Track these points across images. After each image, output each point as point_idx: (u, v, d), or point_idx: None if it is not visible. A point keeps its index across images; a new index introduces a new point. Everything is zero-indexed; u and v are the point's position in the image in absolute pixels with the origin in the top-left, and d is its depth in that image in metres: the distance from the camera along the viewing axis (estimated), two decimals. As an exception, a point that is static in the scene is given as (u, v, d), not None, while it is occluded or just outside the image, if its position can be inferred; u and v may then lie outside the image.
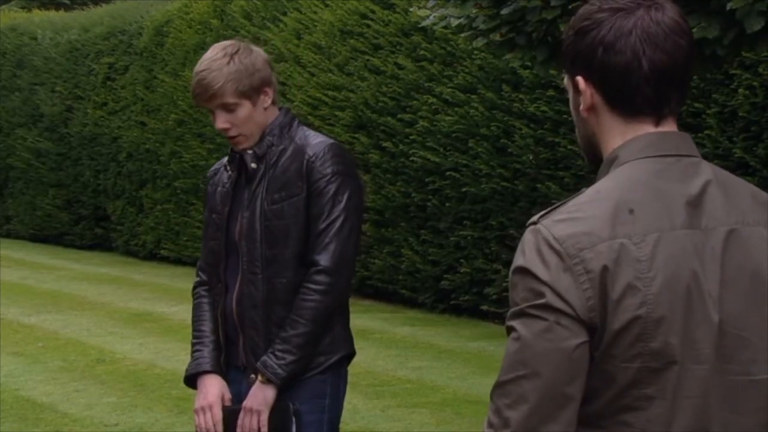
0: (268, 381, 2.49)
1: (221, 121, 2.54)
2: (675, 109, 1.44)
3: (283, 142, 2.57)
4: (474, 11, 3.86)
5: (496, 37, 3.80)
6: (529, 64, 4.12)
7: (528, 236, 1.38)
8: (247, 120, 2.55)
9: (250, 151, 2.58)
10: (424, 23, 4.29)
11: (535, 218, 1.39)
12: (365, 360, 6.35)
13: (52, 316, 8.02)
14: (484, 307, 7.40)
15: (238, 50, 2.58)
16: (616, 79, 1.40)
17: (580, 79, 1.43)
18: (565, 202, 1.40)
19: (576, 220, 1.36)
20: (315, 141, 2.58)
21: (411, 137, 7.86)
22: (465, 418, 5.08)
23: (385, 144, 8.06)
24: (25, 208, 13.14)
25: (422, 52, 7.80)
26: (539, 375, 1.32)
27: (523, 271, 1.36)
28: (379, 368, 6.17)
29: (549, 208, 1.40)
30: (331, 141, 2.60)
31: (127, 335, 7.24)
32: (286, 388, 2.51)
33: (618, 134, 1.42)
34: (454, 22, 3.97)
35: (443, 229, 7.73)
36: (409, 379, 5.91)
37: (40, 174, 12.78)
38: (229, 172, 2.63)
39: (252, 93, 2.56)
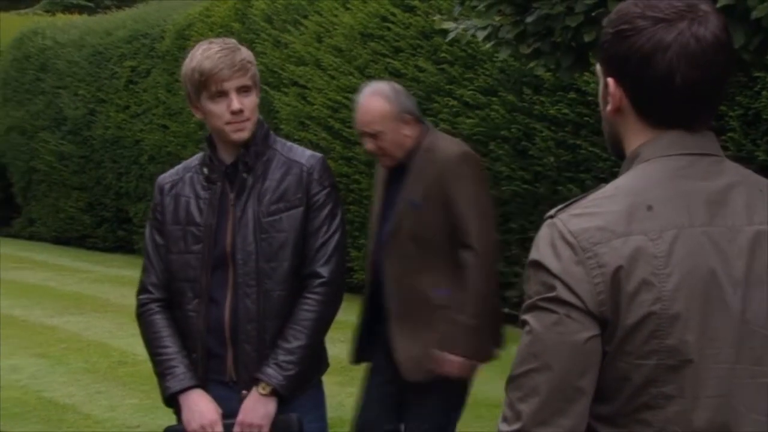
0: (270, 393, 2.43)
1: (238, 102, 2.46)
2: (705, 122, 1.43)
3: (267, 152, 2.53)
4: (497, 19, 3.86)
5: (525, 50, 3.80)
6: (553, 67, 4.11)
7: (544, 230, 1.39)
8: (255, 109, 2.52)
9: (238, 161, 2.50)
10: (449, 37, 4.30)
11: (552, 212, 1.40)
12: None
13: (75, 318, 8.08)
14: (505, 311, 7.37)
15: (236, 44, 2.55)
16: (647, 91, 1.39)
17: (611, 81, 1.42)
18: (584, 197, 1.41)
19: (592, 215, 1.36)
20: (306, 153, 2.56)
21: (431, 140, 7.85)
22: (485, 420, 5.07)
23: (405, 147, 8.06)
24: (48, 210, 13.24)
25: (443, 54, 7.80)
26: (550, 368, 1.33)
27: (537, 264, 1.36)
28: (399, 371, 6.17)
29: (567, 203, 1.40)
30: (320, 154, 2.61)
31: (149, 337, 7.27)
32: (285, 400, 2.45)
33: (643, 136, 1.43)
34: (481, 35, 3.97)
35: (464, 231, 7.71)
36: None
37: (63, 177, 12.87)
38: (212, 183, 2.52)
39: (257, 86, 2.54)
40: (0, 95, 13.90)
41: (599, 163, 6.69)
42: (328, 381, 2.68)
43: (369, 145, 3.23)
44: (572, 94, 6.87)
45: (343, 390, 5.32)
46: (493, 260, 3.19)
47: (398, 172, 3.23)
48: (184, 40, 11.10)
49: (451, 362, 3.13)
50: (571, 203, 1.40)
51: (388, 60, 8.26)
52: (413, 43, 8.09)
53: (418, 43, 8.06)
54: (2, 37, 14.35)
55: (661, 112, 1.40)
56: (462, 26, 4.15)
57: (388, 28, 8.30)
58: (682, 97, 1.38)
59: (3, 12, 17.48)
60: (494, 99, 7.41)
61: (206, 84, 2.47)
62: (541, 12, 3.70)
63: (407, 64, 8.09)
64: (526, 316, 1.36)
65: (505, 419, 1.36)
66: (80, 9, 17.85)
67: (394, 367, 3.17)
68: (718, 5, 3.14)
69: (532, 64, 4.17)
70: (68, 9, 17.68)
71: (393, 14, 8.27)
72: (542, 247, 1.36)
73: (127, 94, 11.96)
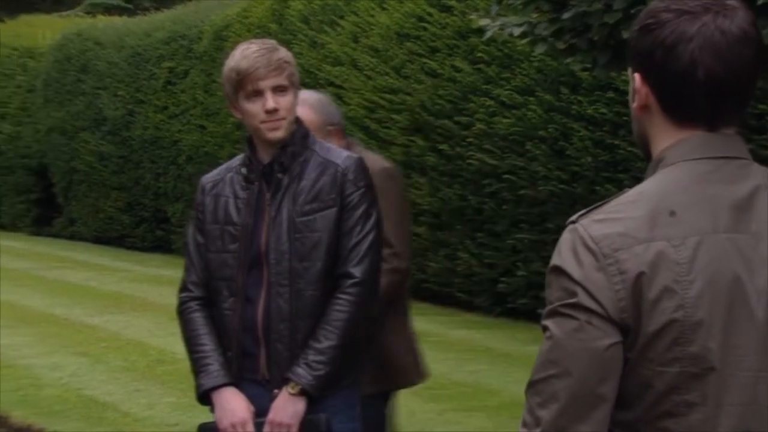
0: (300, 393, 2.44)
1: (273, 101, 2.48)
2: (731, 120, 1.40)
3: (305, 153, 2.54)
4: (534, 16, 3.85)
5: (560, 45, 3.78)
6: (589, 65, 4.09)
7: (565, 235, 1.37)
8: (292, 108, 2.53)
9: (275, 161, 2.52)
10: (487, 35, 4.29)
11: (574, 217, 1.38)
12: (422, 363, 6.36)
13: (115, 317, 8.17)
14: (541, 311, 7.32)
15: (275, 45, 2.57)
16: (670, 84, 1.37)
17: (636, 76, 1.41)
18: (606, 202, 1.39)
19: (614, 221, 1.35)
20: (343, 154, 2.57)
21: (468, 140, 7.84)
22: (522, 422, 5.06)
23: (441, 146, 8.06)
24: (89, 210, 13.40)
25: (479, 54, 7.78)
26: (570, 374, 1.32)
27: (558, 270, 1.35)
28: (435, 371, 6.14)
29: (589, 207, 1.39)
30: (357, 155, 2.60)
31: (187, 336, 7.33)
32: (315, 400, 2.45)
33: (668, 137, 1.40)
34: (517, 31, 3.96)
35: (500, 232, 7.70)
36: (466, 382, 5.89)
37: (102, 177, 13.02)
38: (250, 183, 2.54)
39: (295, 86, 2.55)
40: (42, 96, 14.09)
41: (637, 163, 6.63)
42: (364, 382, 2.67)
43: None
44: (610, 94, 6.82)
45: (379, 390, 5.33)
46: (409, 270, 3.14)
47: None
48: (221, 41, 11.18)
49: None
50: (593, 208, 1.38)
51: (424, 60, 8.25)
52: (450, 43, 8.07)
53: (454, 42, 8.04)
54: (44, 39, 14.56)
55: (685, 107, 1.38)
56: (498, 23, 4.14)
57: (425, 28, 8.29)
58: (705, 92, 1.35)
59: (45, 14, 17.73)
60: (531, 99, 7.38)
61: (243, 83, 2.50)
62: (578, 9, 3.69)
63: (443, 64, 8.07)
64: (547, 322, 1.35)
65: (525, 424, 1.35)
66: (120, 11, 18.05)
67: None
68: (759, 2, 3.10)
69: (568, 60, 4.15)
70: (108, 11, 17.88)
71: (429, 14, 8.26)
72: (564, 253, 1.35)
73: (165, 94, 12.07)
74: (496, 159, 7.60)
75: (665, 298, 1.31)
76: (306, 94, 3.14)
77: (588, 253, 1.33)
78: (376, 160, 3.15)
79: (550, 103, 7.25)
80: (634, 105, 1.43)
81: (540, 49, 4.02)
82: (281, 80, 2.50)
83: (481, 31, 4.61)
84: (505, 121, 7.54)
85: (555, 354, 1.33)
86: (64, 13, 18.75)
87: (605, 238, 1.33)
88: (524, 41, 4.12)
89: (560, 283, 1.34)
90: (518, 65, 7.50)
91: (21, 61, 14.83)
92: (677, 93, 1.37)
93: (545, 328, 1.36)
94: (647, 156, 1.46)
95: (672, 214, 1.34)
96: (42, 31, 15.36)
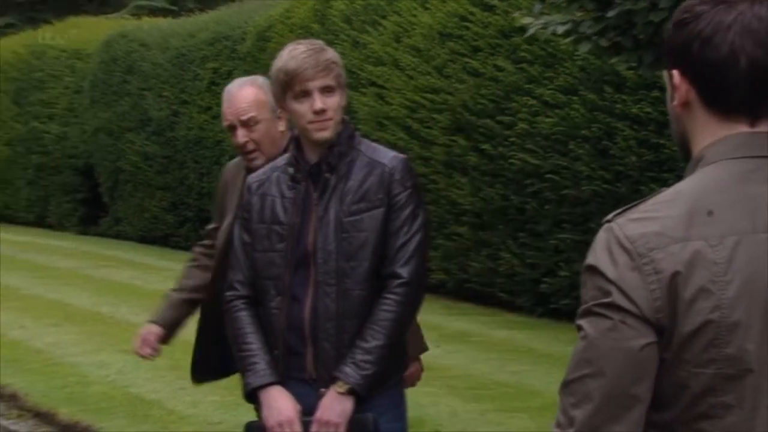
0: (347, 392, 2.44)
1: (321, 102, 2.50)
2: None
3: (351, 153, 2.55)
4: (578, 15, 3.83)
5: (604, 42, 3.75)
6: (634, 64, 4.05)
7: (601, 234, 1.37)
8: (339, 109, 2.54)
9: (322, 161, 2.54)
10: (529, 32, 4.27)
11: (610, 216, 1.38)
12: (463, 363, 6.34)
13: (159, 315, 8.25)
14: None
15: (322, 45, 2.58)
16: (711, 76, 1.36)
17: (675, 72, 1.39)
18: (643, 201, 1.38)
19: (650, 220, 1.34)
20: (390, 154, 2.58)
21: (510, 139, 7.80)
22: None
23: (483, 146, 8.03)
24: (134, 210, 13.56)
25: (522, 53, 7.74)
26: (604, 374, 1.31)
27: (592, 269, 1.35)
28: (477, 371, 6.16)
29: (626, 206, 1.38)
30: (403, 155, 2.61)
31: (231, 335, 7.39)
32: (362, 399, 2.46)
33: (710, 134, 1.39)
34: (560, 30, 3.94)
35: (542, 232, 7.65)
36: (508, 383, 5.87)
37: (147, 177, 13.16)
38: (296, 183, 2.56)
39: (342, 86, 2.57)
40: (88, 97, 14.29)
41: (682, 162, 6.55)
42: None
43: (240, 138, 2.98)
44: (655, 93, 6.75)
45: (420, 389, 5.32)
46: None
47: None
48: (264, 42, 11.25)
49: None
50: (629, 207, 1.38)
51: (466, 59, 8.23)
52: (492, 42, 8.04)
53: (497, 42, 8.01)
54: (91, 41, 14.76)
55: (728, 97, 1.36)
56: (542, 22, 4.12)
57: (467, 28, 8.27)
58: (748, 79, 1.34)
59: (91, 16, 17.97)
60: (574, 98, 7.33)
61: (291, 84, 2.52)
62: (623, 7, 3.66)
63: (486, 63, 8.05)
64: (582, 321, 1.35)
65: (558, 425, 1.34)
66: (165, 12, 18.24)
67: None
68: None
69: (613, 60, 4.12)
70: (153, 12, 18.08)
71: (472, 13, 8.24)
72: (599, 252, 1.35)
73: (209, 95, 12.17)
74: (538, 158, 7.56)
75: (701, 298, 1.30)
76: (250, 77, 3.15)
77: (623, 253, 1.32)
78: None
79: (594, 102, 7.20)
80: (673, 104, 1.41)
81: (584, 47, 3.99)
82: (329, 81, 2.52)
83: (523, 29, 4.59)
84: (547, 120, 7.50)
85: (589, 354, 1.32)
86: (110, 15, 18.99)
87: (641, 237, 1.32)
88: (568, 40, 4.10)
89: (595, 282, 1.34)
90: (561, 64, 7.45)
91: (69, 62, 15.05)
92: (719, 83, 1.36)
93: (579, 328, 1.35)
94: (686, 156, 1.45)
95: (710, 213, 1.33)
96: (42, 31, 15.54)
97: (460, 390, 5.68)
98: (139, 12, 18.44)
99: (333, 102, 2.53)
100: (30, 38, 16.45)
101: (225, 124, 3.07)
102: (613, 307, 1.31)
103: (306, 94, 2.51)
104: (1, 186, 16.08)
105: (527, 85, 7.69)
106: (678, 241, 1.32)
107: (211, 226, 3.43)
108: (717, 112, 1.38)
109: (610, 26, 3.79)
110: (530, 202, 7.69)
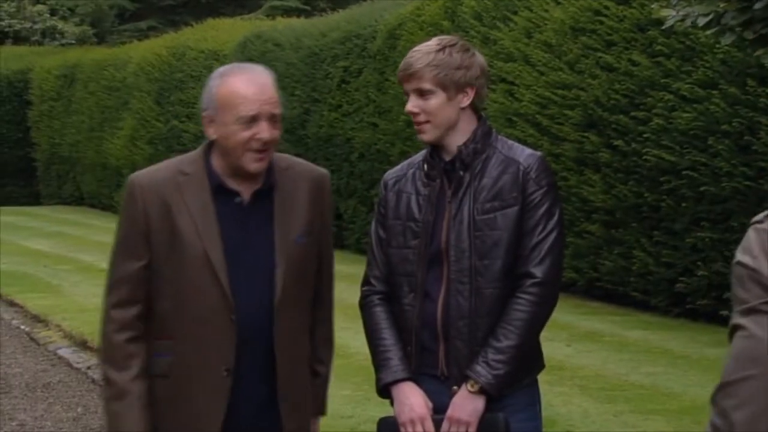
0: (479, 391, 2.44)
1: (411, 105, 2.53)
2: None
3: (486, 150, 2.53)
4: (722, 6, 3.70)
5: (749, 34, 3.61)
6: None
7: (752, 233, 1.33)
8: (437, 111, 2.52)
9: (455, 158, 2.53)
10: (667, 24, 4.16)
11: (759, 217, 1.33)
12: (595, 363, 6.23)
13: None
14: (724, 313, 7.04)
15: (454, 44, 2.55)
16: None
17: None
18: None
19: None
20: (526, 152, 2.54)
21: (644, 135, 7.61)
22: (704, 427, 4.87)
23: (616, 143, 7.86)
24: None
25: (659, 47, 7.53)
26: None
27: (749, 268, 1.31)
28: (610, 372, 6.03)
29: None
30: (540, 153, 2.57)
31: (360, 330, 7.48)
32: (494, 399, 2.45)
33: None
34: (701, 21, 3.82)
35: (678, 230, 7.44)
36: (643, 384, 5.73)
37: (280, 174, 13.46)
38: (431, 180, 2.56)
39: (451, 87, 2.52)
40: (224, 97, 14.72)
41: (831, 158, 6.24)
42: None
43: (273, 131, 2.50)
44: (801, 86, 6.46)
45: (551, 389, 5.26)
46: None
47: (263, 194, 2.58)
48: (394, 40, 11.33)
49: None
50: None
51: (599, 54, 8.07)
52: (627, 36, 7.86)
53: (632, 36, 7.82)
54: (228, 42, 15.21)
55: None
56: (682, 14, 4.01)
57: (601, 22, 8.11)
58: None
59: (228, 17, 18.53)
60: (714, 92, 7.08)
61: (401, 83, 2.59)
62: (772, -2, 3.52)
63: (620, 57, 7.87)
64: (743, 320, 1.30)
65: (715, 428, 1.31)
66: (298, 12, 18.63)
67: None
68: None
69: (758, 52, 3.97)
70: (287, 13, 18.49)
71: (606, 7, 8.08)
72: (756, 252, 1.31)
73: (339, 93, 12.35)
74: (674, 155, 7.35)
75: None
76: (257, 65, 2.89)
77: None
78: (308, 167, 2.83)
79: (735, 97, 6.93)
80: None
81: (727, 39, 3.86)
82: (423, 84, 2.51)
83: (660, 22, 4.47)
84: (685, 115, 7.27)
85: (755, 353, 1.28)
86: (246, 16, 19.52)
87: None
88: (709, 32, 3.96)
89: (756, 279, 1.30)
90: (700, 57, 7.21)
91: (207, 63, 15.55)
92: None
93: (740, 327, 1.31)
94: None
95: None
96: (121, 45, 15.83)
97: (592, 390, 5.57)
98: (273, 12, 18.90)
99: (430, 104, 2.52)
100: (171, 40, 17.09)
101: (251, 111, 2.55)
102: None
103: (407, 94, 2.58)
104: (142, 182, 16.75)
105: (663, 80, 7.48)
106: None
107: None
108: None
109: (756, 18, 3.65)
110: (665, 199, 7.48)
